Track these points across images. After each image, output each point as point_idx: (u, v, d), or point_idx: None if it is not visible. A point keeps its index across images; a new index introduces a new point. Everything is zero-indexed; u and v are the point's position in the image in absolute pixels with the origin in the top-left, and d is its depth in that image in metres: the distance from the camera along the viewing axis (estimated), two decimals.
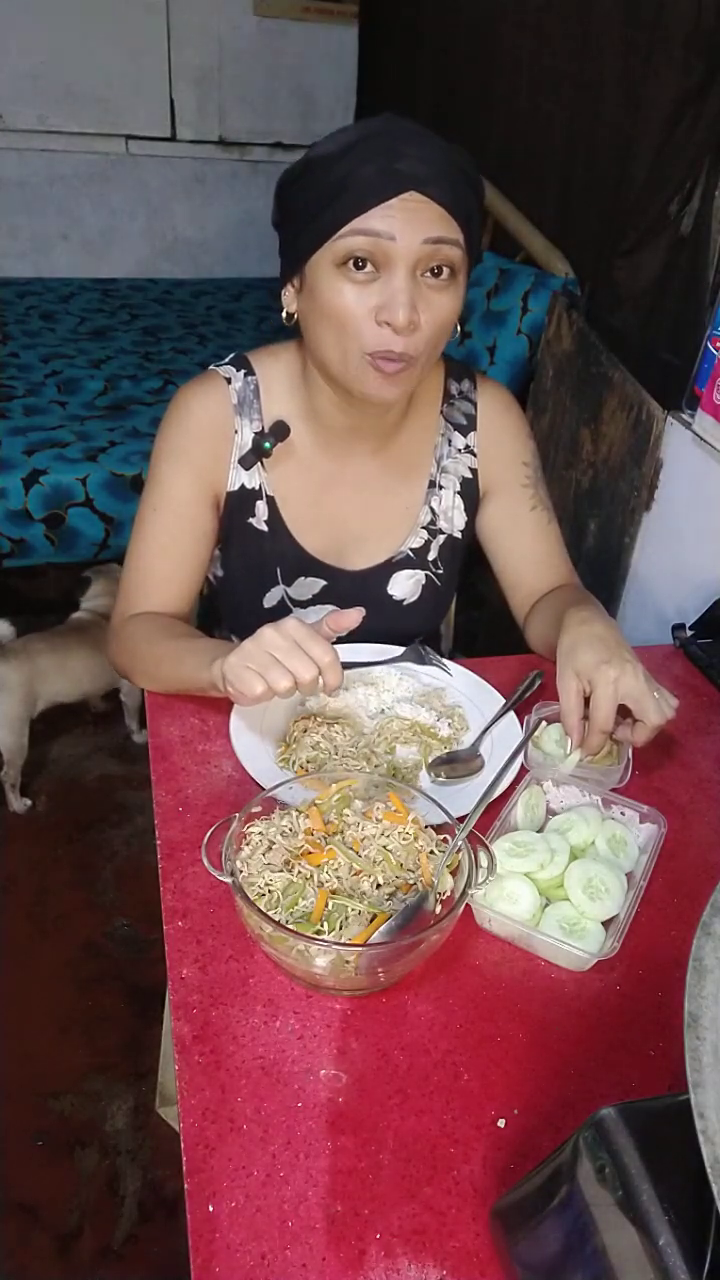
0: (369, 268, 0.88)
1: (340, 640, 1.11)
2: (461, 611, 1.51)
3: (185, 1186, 0.59)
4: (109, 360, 3.03)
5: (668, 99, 1.69)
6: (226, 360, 1.09)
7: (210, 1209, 0.58)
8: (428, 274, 0.89)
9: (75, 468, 2.37)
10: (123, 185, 3.84)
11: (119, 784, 2.22)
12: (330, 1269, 0.56)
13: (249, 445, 1.06)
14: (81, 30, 3.49)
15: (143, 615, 1.05)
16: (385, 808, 0.77)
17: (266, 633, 0.80)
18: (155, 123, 3.76)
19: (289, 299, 0.98)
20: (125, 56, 3.59)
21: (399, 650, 1.10)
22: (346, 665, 0.88)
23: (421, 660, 1.09)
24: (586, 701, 0.88)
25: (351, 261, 0.88)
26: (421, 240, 0.87)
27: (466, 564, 1.23)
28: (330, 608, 1.15)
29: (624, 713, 0.88)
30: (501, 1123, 0.64)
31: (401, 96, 3.34)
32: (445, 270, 0.90)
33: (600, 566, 1.80)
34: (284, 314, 1.00)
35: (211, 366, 1.09)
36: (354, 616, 0.85)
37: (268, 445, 1.04)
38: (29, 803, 2.11)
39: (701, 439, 1.43)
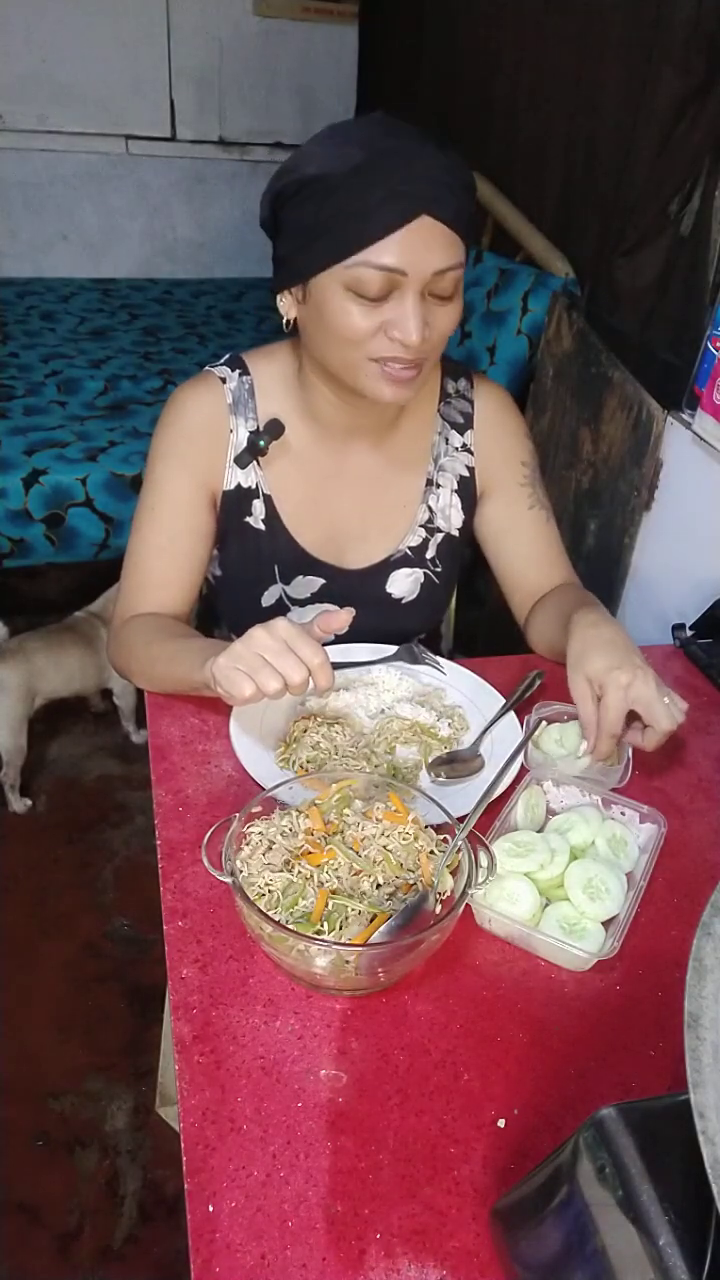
0: (376, 294, 0.89)
1: (340, 638, 1.11)
2: (461, 611, 1.51)
3: (185, 1186, 0.59)
4: (109, 360, 3.03)
5: (668, 99, 1.69)
6: (222, 361, 1.09)
7: (210, 1209, 0.58)
8: (433, 296, 0.91)
9: (75, 468, 2.37)
10: (123, 185, 3.84)
11: (119, 784, 2.22)
12: (330, 1269, 0.56)
13: (244, 444, 1.07)
14: (81, 30, 3.49)
15: (141, 616, 1.05)
16: (385, 808, 0.77)
17: (256, 634, 0.80)
18: (155, 123, 3.76)
19: (287, 305, 0.98)
20: (125, 56, 3.59)
21: (392, 650, 1.10)
22: (338, 666, 0.88)
23: (415, 659, 1.08)
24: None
25: (360, 288, 0.88)
26: (431, 272, 0.88)
27: (468, 563, 1.23)
28: (328, 606, 1.15)
29: (632, 717, 0.88)
30: (501, 1123, 0.64)
31: (401, 96, 3.34)
32: (451, 292, 0.92)
33: (600, 566, 1.80)
34: (285, 321, 0.99)
35: (207, 367, 1.09)
36: (344, 618, 0.85)
37: (262, 443, 1.05)
38: (29, 803, 2.11)
39: (701, 439, 1.43)
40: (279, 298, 0.99)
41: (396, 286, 0.88)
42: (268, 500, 1.10)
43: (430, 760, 0.93)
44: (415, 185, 0.85)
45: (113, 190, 3.83)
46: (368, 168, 0.85)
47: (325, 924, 0.69)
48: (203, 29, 3.64)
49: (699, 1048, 0.39)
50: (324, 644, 0.82)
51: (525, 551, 1.18)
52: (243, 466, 1.08)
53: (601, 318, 1.94)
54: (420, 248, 0.86)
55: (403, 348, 0.90)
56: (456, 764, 0.93)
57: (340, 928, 0.68)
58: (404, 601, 1.18)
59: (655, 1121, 0.43)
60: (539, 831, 0.84)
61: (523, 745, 0.94)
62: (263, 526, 1.11)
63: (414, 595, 1.18)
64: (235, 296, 3.81)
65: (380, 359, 0.92)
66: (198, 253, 4.08)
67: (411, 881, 0.73)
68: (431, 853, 0.75)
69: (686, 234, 1.65)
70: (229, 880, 0.68)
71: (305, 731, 0.94)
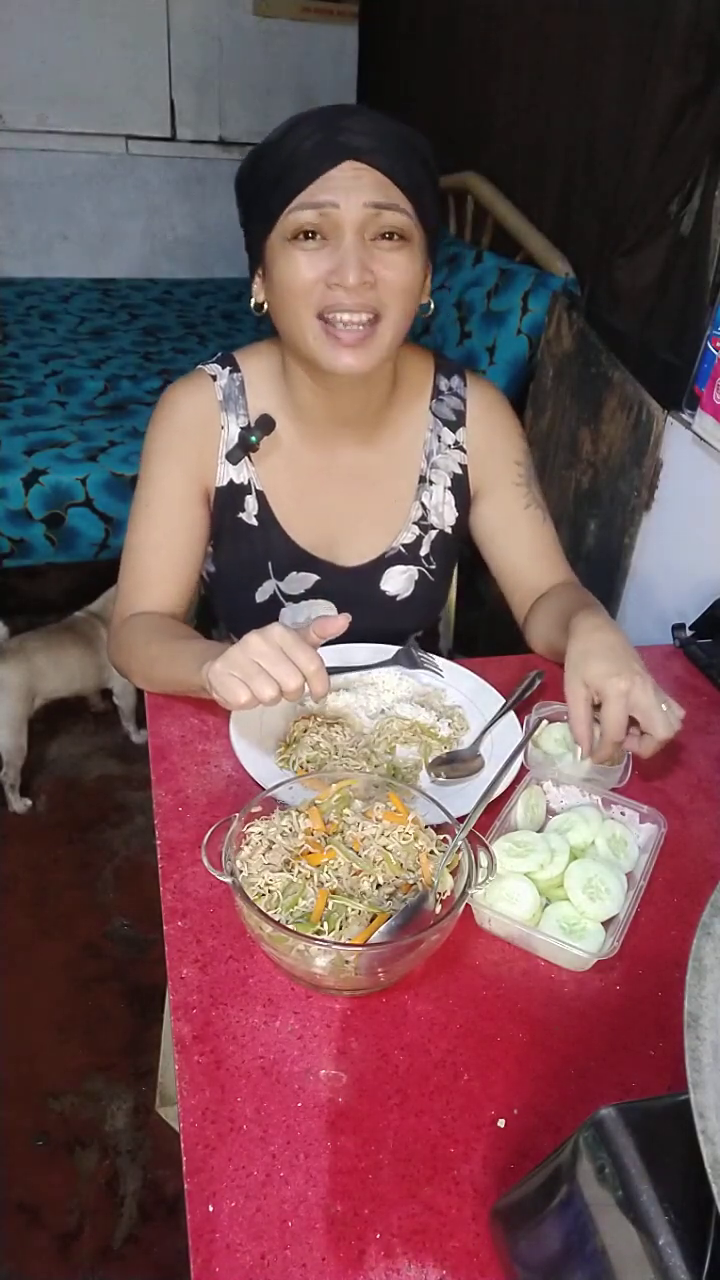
0: (318, 238, 0.91)
1: (336, 637, 1.11)
2: (461, 611, 1.51)
3: (185, 1186, 0.59)
4: (109, 360, 3.03)
5: (668, 99, 1.69)
6: (213, 359, 1.10)
7: (210, 1209, 0.58)
8: (378, 238, 0.92)
9: (75, 468, 2.37)
10: (123, 185, 3.84)
11: (119, 784, 2.22)
12: (330, 1269, 0.56)
13: (236, 440, 1.07)
14: (81, 30, 3.49)
15: (141, 616, 1.05)
16: (385, 808, 0.77)
17: (252, 640, 0.79)
18: (155, 123, 3.76)
19: (258, 289, 1.01)
20: (125, 56, 3.59)
21: (390, 653, 1.09)
22: (334, 670, 0.88)
23: (413, 663, 1.08)
24: (594, 708, 0.88)
25: (302, 234, 0.91)
26: (363, 204, 0.89)
27: (468, 564, 1.23)
28: (323, 603, 1.15)
29: (630, 722, 0.88)
30: (501, 1123, 0.64)
31: (401, 96, 3.34)
32: (395, 235, 0.92)
33: (600, 566, 1.80)
34: (253, 303, 1.02)
35: (198, 365, 1.10)
36: (340, 623, 0.84)
37: (254, 439, 1.05)
38: (29, 803, 2.11)
39: (701, 439, 1.43)
40: (252, 286, 1.02)
41: (335, 229, 0.90)
42: (260, 496, 1.10)
43: (430, 760, 0.93)
44: (346, 136, 0.88)
45: (113, 190, 3.83)
46: (302, 125, 0.90)
47: (325, 924, 0.69)
48: (203, 29, 3.64)
49: (699, 1048, 0.39)
50: (320, 646, 0.81)
51: (523, 550, 1.18)
52: (234, 462, 1.08)
53: (601, 318, 1.94)
54: (352, 184, 0.89)
55: (344, 293, 0.91)
56: (456, 764, 0.93)
57: (340, 928, 0.68)
58: (399, 599, 1.18)
59: (655, 1121, 0.43)
60: (539, 831, 0.84)
61: (523, 745, 0.94)
62: (256, 522, 1.11)
63: (409, 593, 1.18)
64: (235, 296, 3.81)
65: (325, 312, 0.93)
66: (198, 252, 4.08)
67: (411, 881, 0.73)
68: (431, 853, 0.75)
69: (686, 234, 1.65)
70: (229, 880, 0.68)
71: (305, 732, 0.94)
